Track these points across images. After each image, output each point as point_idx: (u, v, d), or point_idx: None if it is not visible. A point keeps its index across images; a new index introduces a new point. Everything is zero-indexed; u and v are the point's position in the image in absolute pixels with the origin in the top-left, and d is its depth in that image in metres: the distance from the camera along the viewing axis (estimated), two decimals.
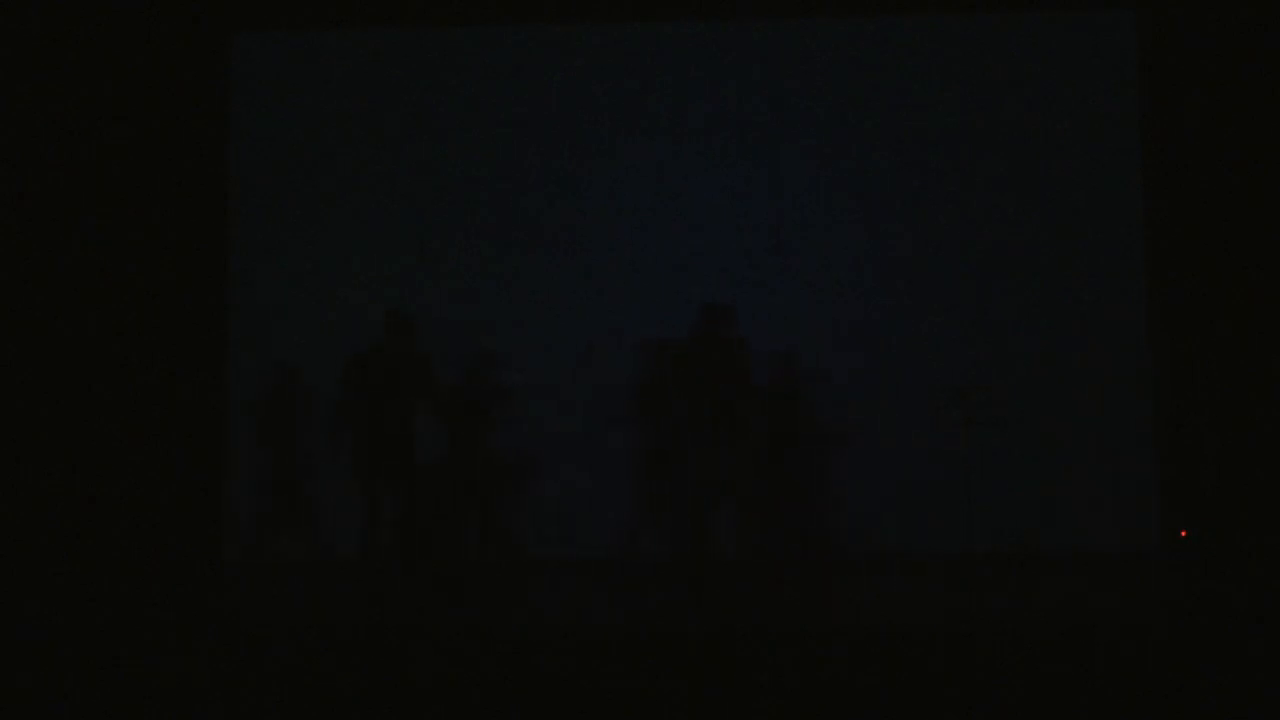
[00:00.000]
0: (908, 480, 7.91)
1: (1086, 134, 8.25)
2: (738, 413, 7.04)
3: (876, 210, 8.27)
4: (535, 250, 8.36)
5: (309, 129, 8.47)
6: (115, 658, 5.45)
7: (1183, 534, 7.79)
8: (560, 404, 8.06)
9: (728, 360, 7.09)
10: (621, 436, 7.93)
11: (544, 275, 8.34)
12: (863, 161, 8.30)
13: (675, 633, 6.05)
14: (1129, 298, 8.17)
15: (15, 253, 8.00)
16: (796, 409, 7.34)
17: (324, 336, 8.25)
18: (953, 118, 8.27)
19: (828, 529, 7.39)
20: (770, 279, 8.24)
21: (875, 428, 7.93)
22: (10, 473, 7.79)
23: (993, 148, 8.26)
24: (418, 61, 8.49)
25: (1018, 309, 7.96)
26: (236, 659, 5.48)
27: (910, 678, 5.05)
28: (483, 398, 7.51)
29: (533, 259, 8.35)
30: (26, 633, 6.05)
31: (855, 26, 8.42)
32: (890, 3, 8.40)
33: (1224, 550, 7.46)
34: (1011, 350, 7.99)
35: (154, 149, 8.21)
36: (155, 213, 8.19)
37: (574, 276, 8.33)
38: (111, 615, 6.47)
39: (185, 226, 8.26)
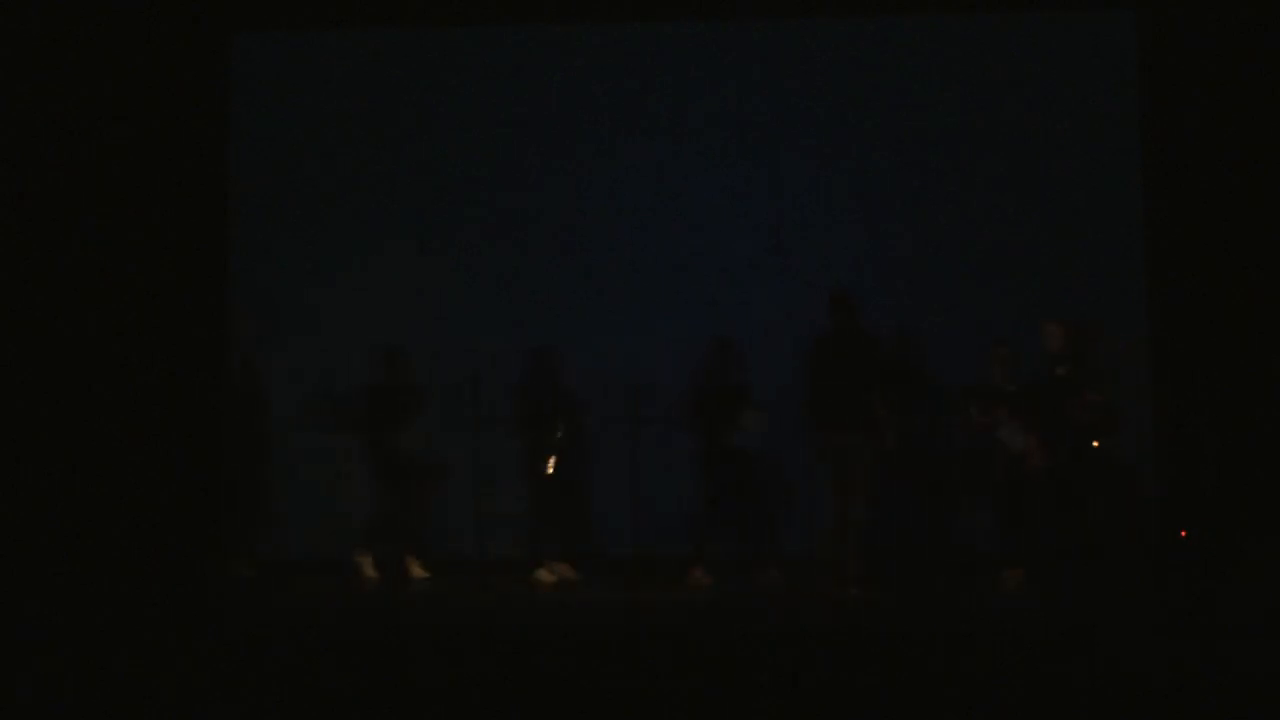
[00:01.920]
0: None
1: (1086, 134, 8.23)
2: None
3: (876, 210, 8.25)
4: (536, 250, 8.34)
5: (309, 129, 8.46)
6: (115, 658, 5.45)
7: (1183, 534, 7.79)
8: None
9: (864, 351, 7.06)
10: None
11: (544, 275, 8.32)
12: (863, 161, 8.28)
13: (676, 632, 6.05)
14: (1129, 298, 8.16)
15: (15, 253, 8.00)
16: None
17: (324, 336, 8.24)
18: (953, 118, 8.25)
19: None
20: (770, 279, 8.23)
21: None
22: (10, 473, 7.79)
23: (993, 148, 8.24)
24: (418, 61, 8.48)
25: (1018, 309, 7.93)
26: (236, 659, 5.48)
27: (910, 678, 5.05)
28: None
29: (533, 259, 8.33)
30: (26, 633, 6.05)
31: (855, 26, 8.41)
32: (890, 3, 8.39)
33: (1224, 550, 7.46)
34: (1012, 350, 7.94)
35: (154, 149, 8.20)
36: (155, 213, 8.19)
37: (574, 276, 8.31)
38: (112, 615, 6.47)
39: (185, 226, 8.26)
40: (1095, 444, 6.59)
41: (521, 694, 4.85)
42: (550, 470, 7.60)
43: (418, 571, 7.78)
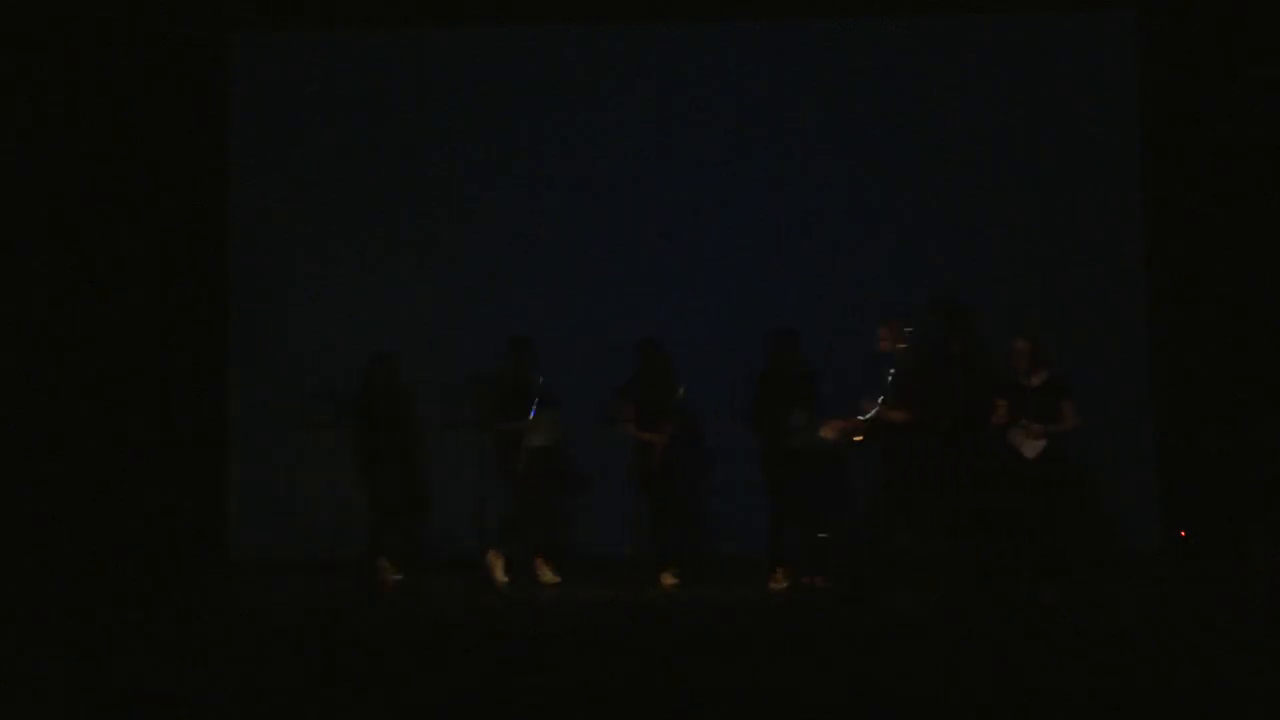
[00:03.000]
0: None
1: (1086, 134, 8.23)
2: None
3: (877, 210, 8.25)
4: (534, 250, 8.34)
5: (309, 129, 8.45)
6: (116, 657, 5.46)
7: (1182, 534, 7.80)
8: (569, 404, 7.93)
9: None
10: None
11: (544, 275, 8.32)
12: (863, 161, 8.27)
13: (678, 633, 6.07)
14: (1129, 299, 8.16)
15: (14, 253, 8.00)
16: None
17: (324, 337, 8.24)
18: (952, 118, 8.25)
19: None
20: (770, 279, 8.23)
21: None
22: (12, 475, 7.79)
23: (993, 147, 8.23)
24: (417, 61, 8.47)
25: (1016, 308, 7.91)
26: (236, 659, 5.49)
27: (910, 677, 5.06)
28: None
29: (532, 259, 8.33)
30: (27, 633, 6.06)
31: (855, 26, 8.40)
32: (891, 3, 8.38)
33: (1224, 550, 7.47)
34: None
35: (154, 148, 8.20)
36: (155, 213, 8.19)
37: (574, 277, 8.31)
38: (113, 615, 6.48)
39: (185, 226, 8.26)
40: (858, 438, 6.63)
41: (521, 693, 4.86)
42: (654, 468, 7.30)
43: (548, 576, 7.43)
